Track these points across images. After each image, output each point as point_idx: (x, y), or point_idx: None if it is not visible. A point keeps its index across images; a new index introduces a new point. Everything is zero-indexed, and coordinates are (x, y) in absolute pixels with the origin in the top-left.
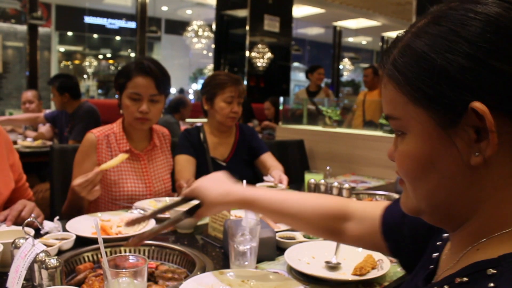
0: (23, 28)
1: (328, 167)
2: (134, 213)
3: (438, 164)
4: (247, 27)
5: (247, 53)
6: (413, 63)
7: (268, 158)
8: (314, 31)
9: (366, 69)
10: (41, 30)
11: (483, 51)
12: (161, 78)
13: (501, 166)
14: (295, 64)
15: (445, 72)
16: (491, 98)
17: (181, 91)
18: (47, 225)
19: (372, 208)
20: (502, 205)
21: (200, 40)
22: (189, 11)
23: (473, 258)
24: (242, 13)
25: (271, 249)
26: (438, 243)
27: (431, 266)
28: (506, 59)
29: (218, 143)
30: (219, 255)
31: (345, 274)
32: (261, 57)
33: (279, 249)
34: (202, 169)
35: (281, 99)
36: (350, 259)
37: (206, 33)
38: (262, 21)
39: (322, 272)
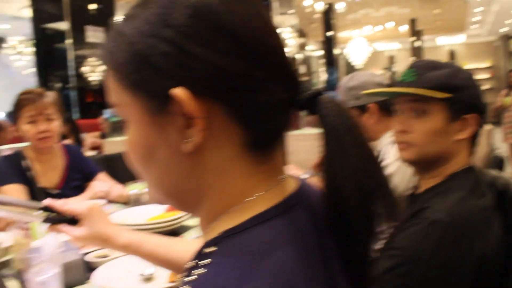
0: None
1: None
2: None
3: (157, 152)
4: (70, 40)
5: (74, 67)
6: (122, 49)
7: (103, 179)
8: None
9: None
10: None
11: (184, 37)
12: None
13: (217, 151)
14: None
15: (146, 57)
16: (194, 84)
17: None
18: None
19: None
20: (225, 187)
21: (21, 57)
22: (5, 25)
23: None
24: (62, 25)
25: (79, 273)
26: None
27: None
28: (206, 45)
29: (45, 169)
30: None
31: (161, 283)
32: (94, 71)
33: (92, 269)
34: None
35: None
36: None
37: (28, 49)
38: (85, 33)
39: (136, 285)
